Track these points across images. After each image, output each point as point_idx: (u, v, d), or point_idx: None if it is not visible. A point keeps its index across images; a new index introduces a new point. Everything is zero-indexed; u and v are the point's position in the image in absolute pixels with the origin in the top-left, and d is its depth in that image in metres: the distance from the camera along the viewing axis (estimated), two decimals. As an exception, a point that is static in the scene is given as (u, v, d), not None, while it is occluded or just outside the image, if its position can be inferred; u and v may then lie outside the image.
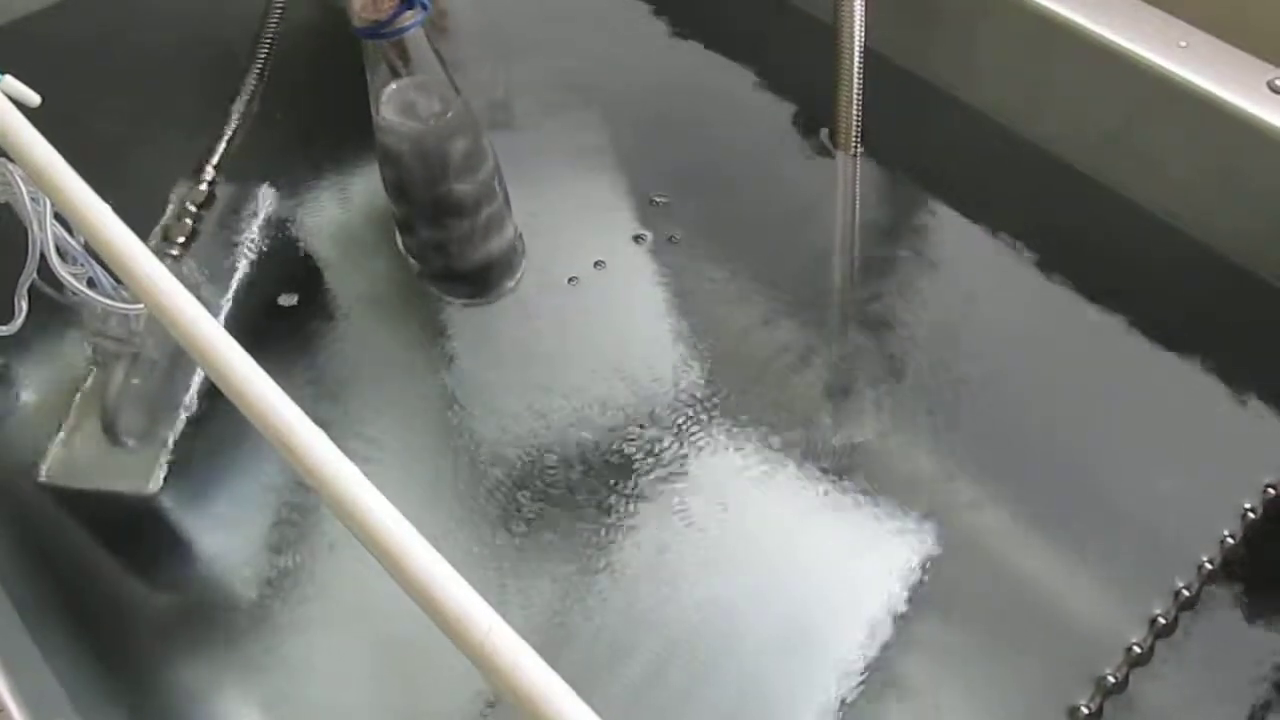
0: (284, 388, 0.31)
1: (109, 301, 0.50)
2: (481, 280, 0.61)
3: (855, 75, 0.61)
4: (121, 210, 0.37)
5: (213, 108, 0.55)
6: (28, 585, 0.50)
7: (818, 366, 0.56)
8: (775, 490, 0.52)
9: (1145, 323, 0.56)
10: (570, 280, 0.61)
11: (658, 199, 0.64)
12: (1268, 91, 0.53)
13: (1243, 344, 0.55)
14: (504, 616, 0.27)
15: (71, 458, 0.54)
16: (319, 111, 0.67)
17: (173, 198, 0.57)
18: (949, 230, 0.62)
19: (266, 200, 0.61)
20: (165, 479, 0.54)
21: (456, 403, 0.57)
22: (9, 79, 0.42)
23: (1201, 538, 0.48)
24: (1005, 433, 0.53)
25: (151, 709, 0.48)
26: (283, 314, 0.61)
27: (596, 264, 0.62)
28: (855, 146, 0.65)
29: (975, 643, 0.47)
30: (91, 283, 0.49)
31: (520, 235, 0.62)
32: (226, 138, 0.55)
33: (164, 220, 0.56)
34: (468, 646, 0.26)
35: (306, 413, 0.31)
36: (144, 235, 0.38)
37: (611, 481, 0.53)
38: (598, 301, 0.60)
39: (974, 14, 0.63)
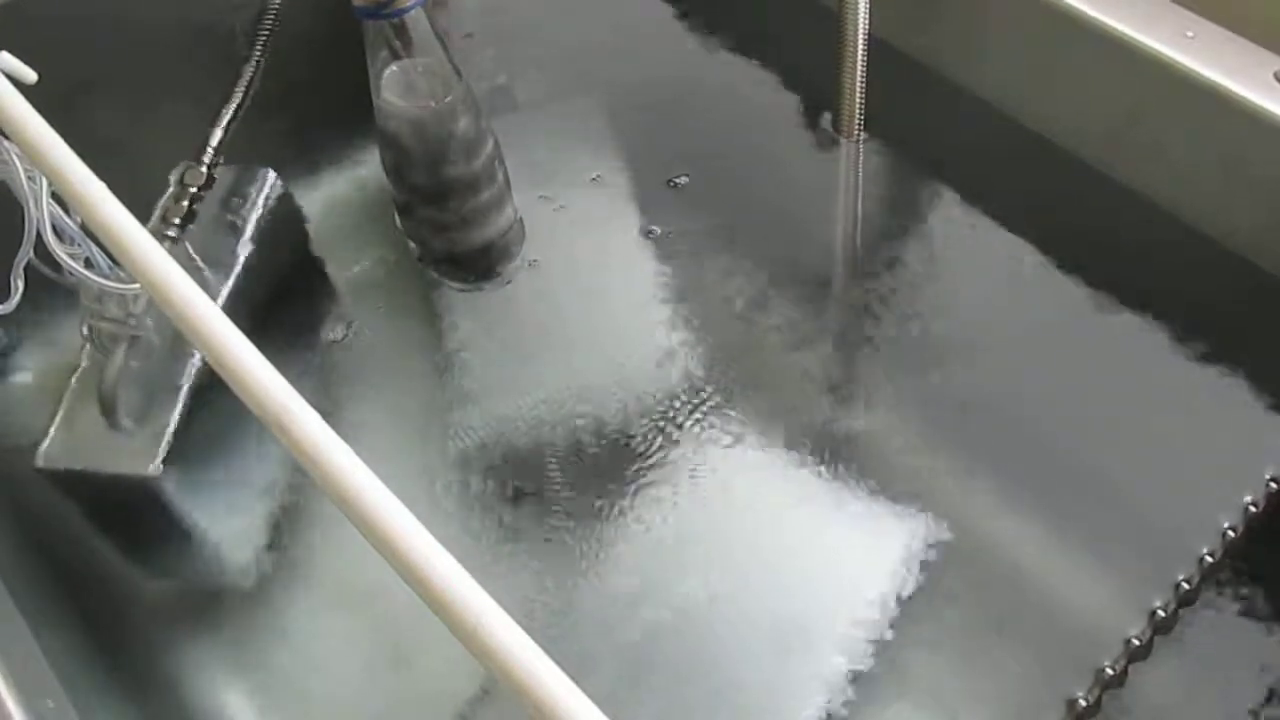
0: (281, 370, 0.31)
1: (106, 282, 0.49)
2: (481, 264, 0.60)
3: (858, 61, 0.61)
4: (119, 191, 0.36)
5: (213, 89, 0.55)
6: (24, 568, 0.50)
7: (818, 354, 0.56)
8: (774, 481, 0.52)
9: (1148, 314, 0.56)
10: (569, 264, 0.61)
11: (677, 180, 0.63)
12: (1274, 82, 0.52)
13: (1246, 336, 0.55)
14: (498, 602, 0.26)
15: (70, 440, 0.54)
16: (320, 93, 0.67)
17: (172, 179, 0.56)
18: (951, 218, 0.61)
19: (266, 183, 0.61)
20: (164, 462, 0.54)
21: (454, 386, 0.57)
22: (6, 56, 0.41)
23: (1202, 531, 0.48)
24: (1005, 423, 0.53)
25: (146, 692, 0.48)
26: (282, 297, 0.61)
27: (596, 248, 0.62)
28: (858, 133, 0.65)
29: (974, 635, 0.47)
30: (89, 263, 0.49)
31: (520, 219, 0.61)
32: (227, 119, 0.54)
33: (163, 202, 0.56)
34: (461, 631, 0.26)
35: (303, 395, 0.31)
36: (142, 217, 0.37)
37: (609, 469, 0.53)
38: (597, 286, 0.60)
39: (978, 2, 0.62)
